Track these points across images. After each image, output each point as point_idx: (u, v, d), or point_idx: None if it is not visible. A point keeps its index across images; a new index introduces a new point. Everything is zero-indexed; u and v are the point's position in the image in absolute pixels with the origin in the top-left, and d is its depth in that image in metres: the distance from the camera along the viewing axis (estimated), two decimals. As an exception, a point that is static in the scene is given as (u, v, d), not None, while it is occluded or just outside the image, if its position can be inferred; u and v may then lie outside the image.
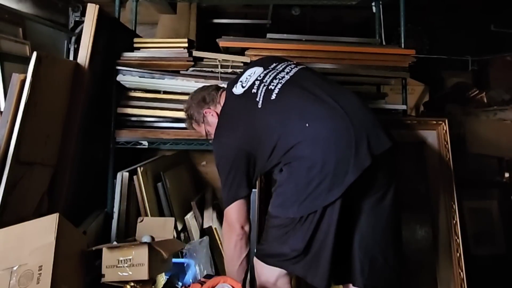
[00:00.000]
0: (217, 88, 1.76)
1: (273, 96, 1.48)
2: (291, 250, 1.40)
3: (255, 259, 1.53)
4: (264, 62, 1.67)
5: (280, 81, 1.52)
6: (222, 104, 1.66)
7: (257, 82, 1.55)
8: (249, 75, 1.61)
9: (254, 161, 1.52)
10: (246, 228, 1.57)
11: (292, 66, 1.61)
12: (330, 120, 1.39)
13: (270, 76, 1.56)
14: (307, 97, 1.46)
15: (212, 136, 1.69)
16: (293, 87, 1.50)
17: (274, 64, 1.62)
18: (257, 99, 1.50)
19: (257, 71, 1.61)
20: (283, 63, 1.63)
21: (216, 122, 1.65)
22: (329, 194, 1.33)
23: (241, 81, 1.61)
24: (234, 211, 1.55)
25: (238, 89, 1.60)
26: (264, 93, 1.50)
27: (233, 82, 1.66)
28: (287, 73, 1.56)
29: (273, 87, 1.50)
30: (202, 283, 1.54)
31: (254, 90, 1.53)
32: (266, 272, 1.49)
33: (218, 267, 2.09)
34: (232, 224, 1.55)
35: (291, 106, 1.46)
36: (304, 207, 1.35)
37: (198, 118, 1.73)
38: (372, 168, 1.34)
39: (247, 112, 1.52)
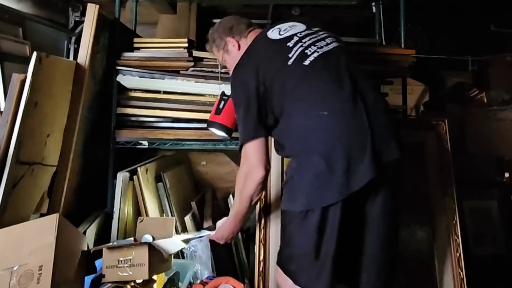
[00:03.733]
0: (249, 24, 1.72)
1: (307, 62, 1.41)
2: (298, 253, 1.38)
3: (278, 270, 1.46)
4: (308, 22, 1.57)
5: (317, 50, 1.44)
6: (247, 41, 1.64)
7: (295, 38, 1.48)
8: (289, 26, 1.53)
9: (265, 106, 1.47)
10: (268, 167, 1.50)
11: (333, 39, 1.52)
12: (349, 117, 1.34)
13: (310, 39, 1.48)
14: (335, 84, 1.39)
15: (227, 65, 1.72)
16: (327, 65, 1.42)
17: (318, 28, 1.54)
18: (290, 55, 1.43)
19: (299, 27, 1.53)
20: (325, 32, 1.54)
21: (236, 53, 1.65)
22: (333, 193, 1.30)
23: (279, 28, 1.54)
24: (254, 151, 1.47)
25: (273, 34, 1.52)
26: (299, 53, 1.43)
27: (270, 27, 1.58)
28: (327, 44, 1.48)
29: (309, 53, 1.43)
30: (204, 284, 1.54)
31: (290, 44, 1.46)
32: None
33: (218, 268, 2.08)
34: (255, 166, 1.47)
35: (317, 86, 1.39)
36: (311, 198, 1.32)
37: (219, 44, 1.72)
38: (379, 175, 1.31)
39: (274, 62, 1.45)
